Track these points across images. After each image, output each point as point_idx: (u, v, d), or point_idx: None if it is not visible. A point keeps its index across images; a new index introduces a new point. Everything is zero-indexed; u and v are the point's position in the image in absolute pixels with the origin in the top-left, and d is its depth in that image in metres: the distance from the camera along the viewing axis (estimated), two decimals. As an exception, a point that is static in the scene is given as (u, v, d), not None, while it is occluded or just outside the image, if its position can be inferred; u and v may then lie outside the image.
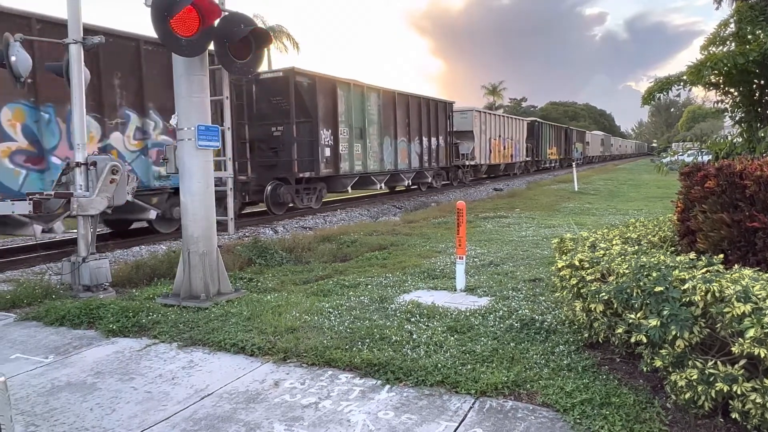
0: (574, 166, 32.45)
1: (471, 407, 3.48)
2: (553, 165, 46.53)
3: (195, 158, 6.05)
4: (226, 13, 5.97)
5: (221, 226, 6.69)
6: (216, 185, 6.37)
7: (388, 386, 3.82)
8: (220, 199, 6.98)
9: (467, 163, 27.81)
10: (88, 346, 4.84)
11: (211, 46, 5.99)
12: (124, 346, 4.81)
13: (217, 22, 5.86)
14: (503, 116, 33.72)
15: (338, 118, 17.40)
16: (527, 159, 38.04)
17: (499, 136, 31.89)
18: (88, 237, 6.67)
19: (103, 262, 6.71)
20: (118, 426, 3.40)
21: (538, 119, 41.79)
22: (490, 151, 30.49)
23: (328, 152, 17.12)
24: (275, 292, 6.39)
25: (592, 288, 3.78)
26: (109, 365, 4.38)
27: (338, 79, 17.52)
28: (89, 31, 7.10)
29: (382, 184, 20.87)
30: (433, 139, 23.93)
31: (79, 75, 6.53)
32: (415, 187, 24.00)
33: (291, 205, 16.47)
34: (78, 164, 6.54)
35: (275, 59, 47.61)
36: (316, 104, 16.40)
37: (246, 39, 6.03)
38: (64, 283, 6.78)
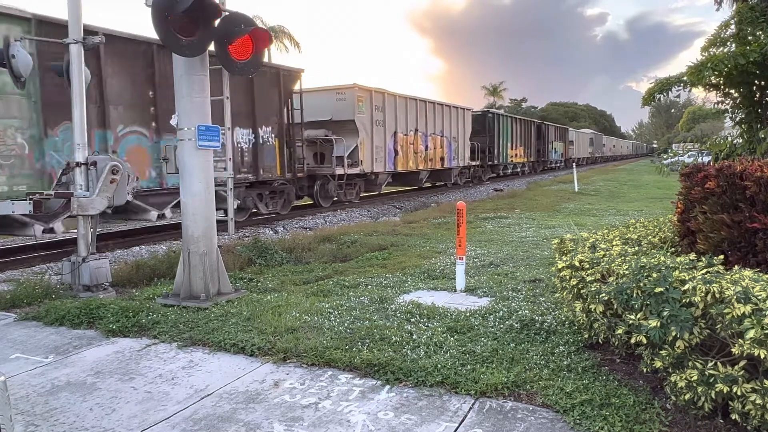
0: (574, 167, 31.61)
1: (471, 408, 3.48)
2: (519, 170, 36.44)
3: (195, 158, 6.05)
4: (227, 13, 5.97)
5: (221, 226, 6.69)
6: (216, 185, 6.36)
7: (387, 387, 3.82)
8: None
9: (342, 171, 17.14)
10: (88, 346, 4.84)
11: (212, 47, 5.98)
12: (124, 346, 4.81)
13: (217, 22, 5.86)
14: (423, 101, 22.32)
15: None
16: (474, 163, 27.60)
17: (415, 129, 21.25)
18: (88, 237, 6.67)
19: (103, 262, 6.71)
20: (118, 426, 3.40)
21: (493, 110, 32.40)
22: (396, 153, 19.92)
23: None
24: (275, 293, 6.39)
25: (592, 289, 3.78)
26: (109, 365, 4.38)
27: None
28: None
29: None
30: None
31: (80, 75, 6.53)
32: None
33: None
34: (78, 164, 6.54)
35: (277, 59, 47.54)
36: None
37: (246, 39, 6.03)
38: (64, 283, 6.79)
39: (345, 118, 17.43)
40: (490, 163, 30.53)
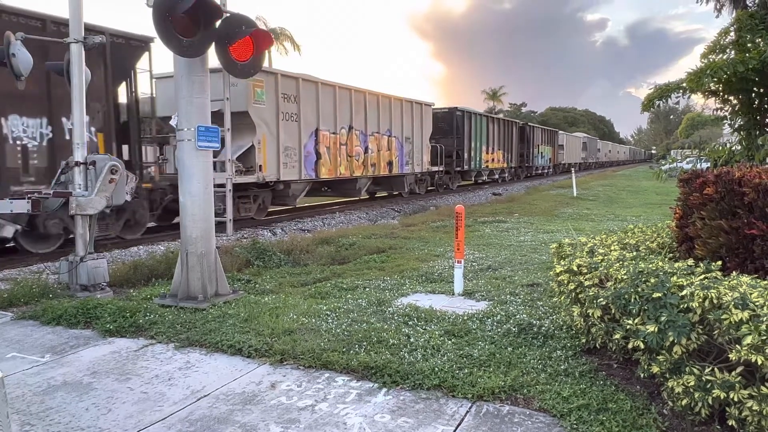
0: (573, 172, 30.95)
1: (468, 411, 3.48)
2: (497, 177, 32.02)
3: (195, 159, 6.05)
4: (228, 15, 5.98)
5: (219, 227, 6.68)
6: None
7: (384, 389, 3.82)
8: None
9: (224, 179, 7.44)
10: (85, 346, 4.82)
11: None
12: (121, 347, 4.80)
13: (218, 23, 5.87)
14: (362, 92, 17.78)
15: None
16: (436, 169, 23.35)
17: (349, 127, 17.04)
18: (87, 236, 6.66)
19: (101, 261, 6.70)
20: (114, 426, 3.39)
21: (463, 107, 26.33)
22: (318, 156, 15.67)
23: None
24: (273, 294, 6.39)
25: (590, 293, 3.79)
26: (105, 365, 4.37)
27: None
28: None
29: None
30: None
31: (80, 74, 6.53)
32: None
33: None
34: (77, 163, 6.54)
35: (278, 62, 47.59)
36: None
37: (247, 40, 6.04)
38: (62, 283, 6.77)
39: (236, 110, 11.48)
40: (458, 168, 25.77)
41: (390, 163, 19.76)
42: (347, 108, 17.08)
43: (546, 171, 42.94)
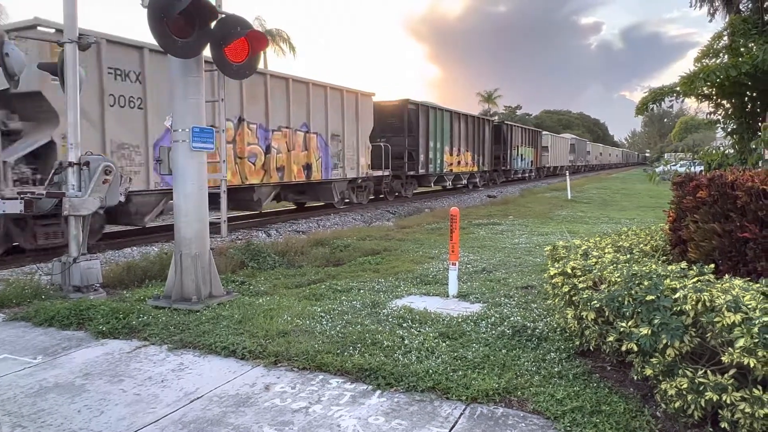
0: (567, 174, 30.62)
1: (462, 413, 3.48)
2: (465, 182, 27.77)
3: (189, 160, 6.03)
4: (223, 16, 5.97)
5: (214, 228, 6.66)
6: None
7: (379, 391, 3.81)
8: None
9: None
10: (77, 348, 4.80)
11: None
12: (114, 348, 4.77)
13: (213, 24, 5.86)
14: (262, 74, 14.08)
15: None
16: (380, 173, 19.44)
17: (238, 119, 13.13)
18: (80, 237, 6.63)
19: (94, 262, 6.67)
20: (106, 428, 3.37)
21: (416, 100, 22.23)
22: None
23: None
24: (267, 296, 6.37)
25: (584, 296, 3.80)
26: (98, 367, 4.35)
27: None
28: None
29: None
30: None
31: (74, 75, 6.50)
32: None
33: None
34: (71, 164, 6.50)
35: (274, 63, 47.54)
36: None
37: (242, 42, 6.03)
38: (54, 284, 6.73)
39: (25, 90, 8.26)
40: (411, 172, 21.76)
41: (307, 167, 15.45)
42: (236, 94, 12.93)
43: (527, 175, 39.01)
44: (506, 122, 34.93)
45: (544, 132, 46.63)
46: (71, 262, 6.51)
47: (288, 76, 14.98)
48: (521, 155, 36.36)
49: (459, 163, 26.23)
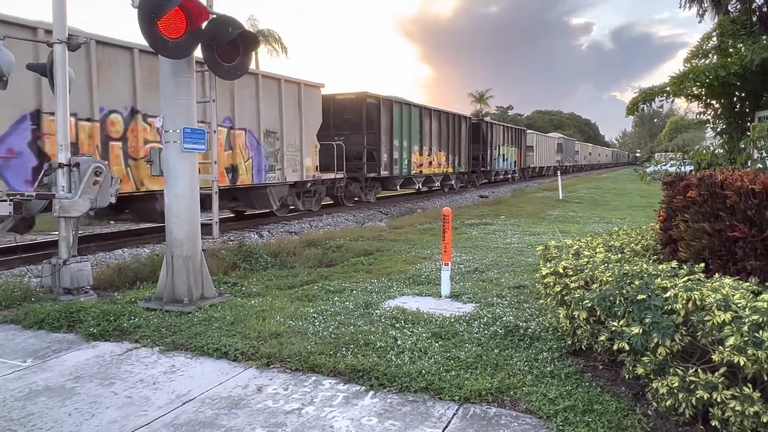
0: (559, 174, 30.47)
1: (455, 414, 3.48)
2: (437, 184, 25.28)
3: (180, 161, 6.00)
4: (214, 16, 5.95)
5: (206, 229, 6.63)
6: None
7: (372, 392, 3.81)
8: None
9: None
10: (68, 350, 4.76)
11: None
12: (105, 350, 4.74)
13: (204, 24, 5.83)
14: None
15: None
16: (331, 176, 17.01)
17: (131, 111, 10.70)
18: (70, 239, 6.58)
19: (85, 264, 6.62)
20: None
21: (376, 93, 19.67)
22: (40, 160, 8.88)
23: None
24: (259, 297, 6.35)
25: (576, 295, 3.81)
26: (88, 369, 4.32)
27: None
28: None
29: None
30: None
31: (64, 75, 6.45)
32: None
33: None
34: (61, 165, 6.45)
35: (268, 63, 47.42)
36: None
37: (234, 42, 6.01)
38: (44, 286, 6.68)
39: None
40: (372, 174, 19.39)
41: (232, 169, 12.93)
42: (127, 78, 10.51)
43: (511, 176, 36.90)
44: (485, 120, 32.41)
45: (528, 131, 44.12)
46: (61, 264, 6.46)
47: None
48: (503, 155, 34.13)
49: (431, 163, 23.84)
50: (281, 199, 15.11)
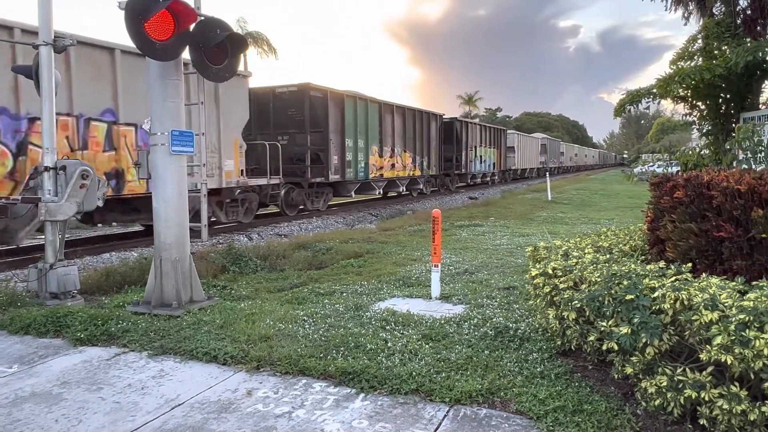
0: (548, 176, 30.21)
1: (445, 415, 3.48)
2: (402, 189, 23.26)
3: (169, 164, 5.96)
4: (202, 18, 5.92)
5: (194, 233, 6.59)
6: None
7: (362, 395, 3.80)
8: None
9: None
10: (55, 356, 4.70)
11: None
12: (92, 355, 4.69)
13: (192, 26, 5.80)
14: None
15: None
16: (262, 182, 14.64)
17: None
18: (56, 243, 6.51)
19: (72, 269, 6.55)
20: (85, 437, 3.31)
21: (319, 85, 17.24)
22: None
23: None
24: (249, 300, 6.32)
25: (565, 296, 3.83)
26: (76, 375, 4.27)
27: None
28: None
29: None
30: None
31: (50, 77, 6.39)
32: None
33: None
34: (47, 168, 6.38)
35: (257, 65, 47.21)
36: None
37: (222, 44, 5.99)
38: (31, 291, 6.60)
39: None
40: (318, 179, 16.94)
41: (116, 174, 10.55)
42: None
43: (489, 179, 34.84)
44: (459, 118, 29.78)
45: (509, 131, 42.03)
46: (48, 269, 6.39)
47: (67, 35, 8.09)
48: (480, 157, 31.72)
49: (393, 166, 21.39)
50: (191, 210, 12.03)
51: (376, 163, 20.14)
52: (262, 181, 14.54)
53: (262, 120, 16.39)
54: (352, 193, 19.42)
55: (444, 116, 27.08)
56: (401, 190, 23.30)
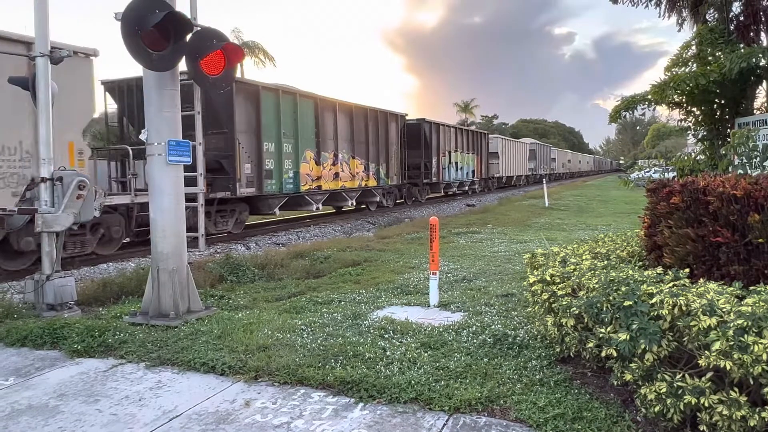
0: (544, 182, 29.83)
1: (445, 424, 3.47)
2: (350, 203, 19.27)
3: (166, 174, 5.96)
4: (198, 29, 5.94)
5: (192, 242, 6.58)
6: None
7: (361, 404, 3.78)
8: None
9: None
10: (51, 368, 4.67)
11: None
12: (90, 367, 4.66)
13: (188, 37, 5.82)
14: None
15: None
16: (125, 201, 10.72)
17: None
18: (53, 254, 6.48)
19: (69, 280, 6.52)
20: (82, 450, 3.28)
21: (255, 80, 15.10)
22: None
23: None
24: (247, 310, 6.30)
25: (563, 303, 3.83)
26: (73, 387, 4.24)
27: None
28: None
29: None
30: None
31: (46, 89, 6.39)
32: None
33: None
34: (43, 179, 6.37)
35: (254, 75, 47.32)
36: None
37: (218, 54, 6.00)
38: (27, 302, 6.56)
39: None
40: (224, 194, 13.47)
41: None
42: None
43: (469, 188, 31.12)
44: (427, 120, 25.26)
45: (491, 135, 38.25)
46: (44, 280, 6.36)
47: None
48: (456, 163, 28.07)
49: (337, 175, 17.69)
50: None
51: (311, 173, 16.44)
52: (125, 200, 10.58)
53: (133, 118, 12.94)
54: (276, 210, 15.39)
55: (407, 116, 23.26)
56: (349, 203, 19.23)
